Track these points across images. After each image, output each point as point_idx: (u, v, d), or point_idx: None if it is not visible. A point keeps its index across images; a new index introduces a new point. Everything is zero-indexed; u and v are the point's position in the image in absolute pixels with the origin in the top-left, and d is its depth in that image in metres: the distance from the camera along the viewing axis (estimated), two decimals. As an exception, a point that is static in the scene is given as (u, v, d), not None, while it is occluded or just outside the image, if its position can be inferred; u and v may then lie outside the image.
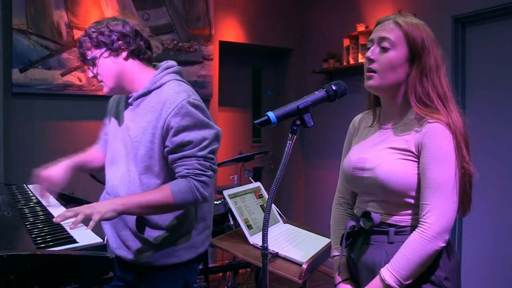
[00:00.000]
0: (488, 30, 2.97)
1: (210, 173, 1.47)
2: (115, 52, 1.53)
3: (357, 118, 1.51)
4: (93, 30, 1.53)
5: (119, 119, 1.64)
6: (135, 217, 1.51)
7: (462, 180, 1.24)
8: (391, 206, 1.28)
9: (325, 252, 1.78)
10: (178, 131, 1.45)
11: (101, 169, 1.77)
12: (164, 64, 1.62)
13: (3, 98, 3.05)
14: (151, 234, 1.52)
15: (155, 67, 1.64)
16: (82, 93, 3.32)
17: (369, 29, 3.58)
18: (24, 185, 1.92)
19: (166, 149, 1.49)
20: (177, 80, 1.58)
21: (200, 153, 1.46)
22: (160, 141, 1.49)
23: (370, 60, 1.29)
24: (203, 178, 1.45)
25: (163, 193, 1.42)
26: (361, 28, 3.65)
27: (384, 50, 1.27)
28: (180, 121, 1.45)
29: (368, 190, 1.33)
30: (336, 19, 4.15)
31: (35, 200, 1.62)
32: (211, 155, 1.49)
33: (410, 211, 1.27)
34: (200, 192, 1.44)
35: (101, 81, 1.57)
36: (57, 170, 1.62)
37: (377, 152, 1.31)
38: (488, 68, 2.95)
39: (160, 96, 1.51)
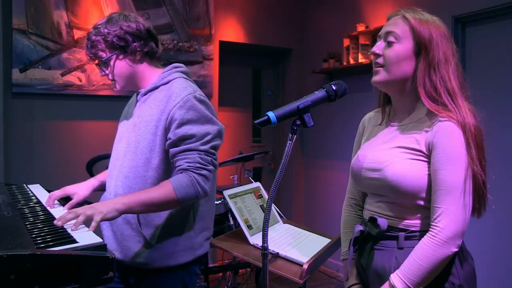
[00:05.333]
0: (488, 30, 2.97)
1: (211, 167, 1.47)
2: (131, 54, 1.56)
3: (367, 116, 1.46)
4: (107, 30, 1.52)
5: (128, 119, 1.65)
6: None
7: (473, 180, 1.18)
8: (401, 209, 1.23)
9: (325, 252, 1.78)
10: (182, 123, 1.45)
11: None
12: (173, 64, 1.65)
13: (3, 98, 3.06)
14: (147, 231, 1.51)
15: (163, 66, 1.67)
16: (82, 93, 3.32)
17: (369, 29, 3.58)
18: (24, 185, 1.92)
19: (168, 141, 1.48)
20: (185, 78, 1.61)
21: (202, 147, 1.46)
22: (163, 133, 1.49)
23: (376, 55, 1.27)
24: (204, 172, 1.44)
25: (165, 189, 1.41)
26: (361, 28, 3.65)
27: (389, 44, 1.24)
28: (185, 114, 1.46)
29: (378, 191, 1.28)
30: (336, 19, 4.15)
31: (35, 200, 1.62)
32: (213, 151, 1.48)
33: (420, 215, 1.22)
34: (201, 186, 1.43)
35: (113, 80, 1.59)
36: (84, 189, 1.69)
37: (386, 152, 1.26)
38: (488, 68, 2.95)
39: (167, 91, 1.53)
